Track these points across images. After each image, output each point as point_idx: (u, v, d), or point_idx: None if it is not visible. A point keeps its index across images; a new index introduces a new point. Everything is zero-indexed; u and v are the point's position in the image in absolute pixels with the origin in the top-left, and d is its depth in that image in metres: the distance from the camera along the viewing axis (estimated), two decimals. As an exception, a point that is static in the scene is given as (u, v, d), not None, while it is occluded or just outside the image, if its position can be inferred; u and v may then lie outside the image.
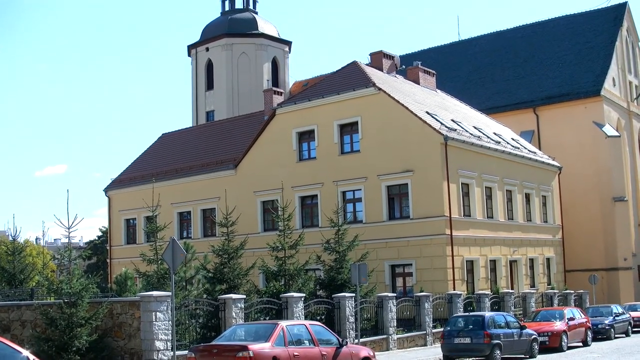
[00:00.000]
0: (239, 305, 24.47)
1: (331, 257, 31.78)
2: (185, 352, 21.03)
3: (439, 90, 52.18)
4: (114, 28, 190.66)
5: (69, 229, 22.19)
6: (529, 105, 60.02)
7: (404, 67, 53.10)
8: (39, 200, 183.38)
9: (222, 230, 28.80)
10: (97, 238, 74.21)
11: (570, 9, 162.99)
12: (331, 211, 34.58)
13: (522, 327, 28.76)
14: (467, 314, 31.17)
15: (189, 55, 74.74)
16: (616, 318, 38.67)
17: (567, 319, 32.84)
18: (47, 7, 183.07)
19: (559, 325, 31.93)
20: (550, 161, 51.11)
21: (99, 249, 70.23)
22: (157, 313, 21.28)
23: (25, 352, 12.63)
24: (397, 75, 48.20)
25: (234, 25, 72.00)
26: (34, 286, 30.73)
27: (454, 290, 36.83)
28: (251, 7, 75.71)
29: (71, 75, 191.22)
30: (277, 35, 74.26)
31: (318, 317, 27.79)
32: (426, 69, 51.80)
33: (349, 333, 28.26)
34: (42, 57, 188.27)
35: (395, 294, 33.71)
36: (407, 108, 39.45)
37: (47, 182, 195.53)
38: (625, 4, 63.45)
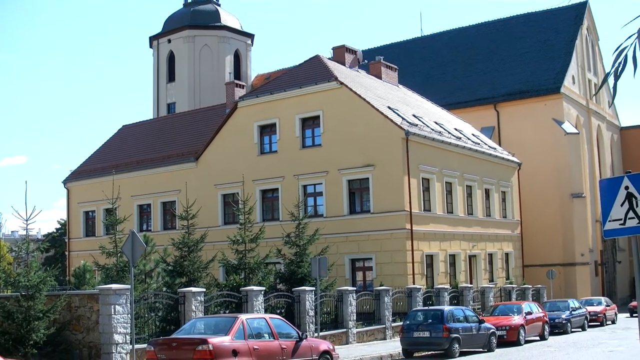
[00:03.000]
0: (199, 298, 24.41)
1: (291, 250, 31.79)
2: (145, 345, 20.93)
3: (400, 86, 52.34)
4: (74, 17, 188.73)
5: (27, 220, 21.96)
6: (490, 102, 60.49)
7: (366, 61, 53.22)
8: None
9: (182, 223, 28.69)
10: (55, 230, 73.46)
11: (532, 7, 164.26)
12: (292, 205, 34.58)
13: (481, 322, 29.02)
14: (426, 308, 31.41)
15: (151, 46, 74.25)
16: (573, 312, 39.16)
17: (525, 313, 33.19)
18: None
19: (516, 319, 32.24)
20: (510, 157, 51.53)
21: (57, 241, 69.53)
22: (116, 306, 21.14)
23: None
24: (360, 70, 48.28)
25: (197, 17, 71.66)
26: (-9, 278, 30.35)
27: (414, 284, 37.02)
28: (214, -1, 75.40)
29: (29, 65, 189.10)
30: (239, 28, 74.05)
31: (278, 311, 27.81)
32: (388, 64, 51.92)
33: (308, 327, 28.30)
34: (0, 46, 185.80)
35: (355, 288, 33.80)
36: (368, 103, 39.53)
37: (5, 173, 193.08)
38: (585, 2, 64.15)
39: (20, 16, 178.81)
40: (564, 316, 38.07)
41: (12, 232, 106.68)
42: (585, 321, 40.50)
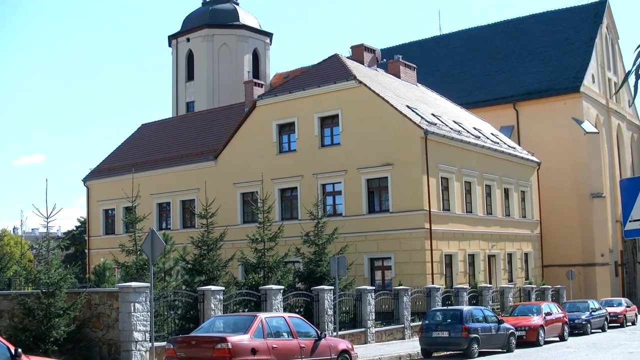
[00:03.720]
0: (218, 297, 24.44)
1: (310, 249, 31.79)
2: (164, 343, 21.01)
3: (419, 84, 52.27)
4: (93, 17, 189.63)
5: (47, 218, 22.10)
6: (509, 101, 60.29)
7: (384, 60, 53.12)
8: (16, 190, 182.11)
9: (201, 222, 28.76)
10: (75, 228, 73.77)
11: (551, 5, 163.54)
12: (311, 204, 34.57)
13: (500, 322, 28.89)
14: (445, 307, 31.28)
15: (170, 45, 74.39)
16: (593, 313, 38.96)
17: (545, 313, 33.02)
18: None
19: (536, 319, 32.09)
20: (530, 157, 51.32)
21: (77, 239, 69.82)
22: (136, 304, 21.21)
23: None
24: (378, 69, 48.22)
25: (215, 16, 71.72)
26: (12, 276, 30.52)
27: (433, 284, 36.93)
28: (232, -2, 75.46)
29: (49, 64, 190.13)
30: (258, 27, 74.06)
31: (297, 310, 27.82)
32: (407, 62, 51.87)
33: (327, 326, 28.30)
34: (19, 46, 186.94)
35: (374, 287, 33.71)
36: (387, 102, 39.47)
37: (24, 172, 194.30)
38: (605, 1, 63.82)
39: (40, 15, 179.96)
40: (583, 317, 37.87)
41: (32, 229, 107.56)
42: (605, 322, 40.27)
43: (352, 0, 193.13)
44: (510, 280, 46.28)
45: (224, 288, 25.49)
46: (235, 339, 18.09)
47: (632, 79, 7.39)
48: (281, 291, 26.92)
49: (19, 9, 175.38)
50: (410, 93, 46.68)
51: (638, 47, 7.21)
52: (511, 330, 29.19)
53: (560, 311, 35.29)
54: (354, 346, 23.98)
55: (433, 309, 32.02)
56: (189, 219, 47.87)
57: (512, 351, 28.62)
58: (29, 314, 20.83)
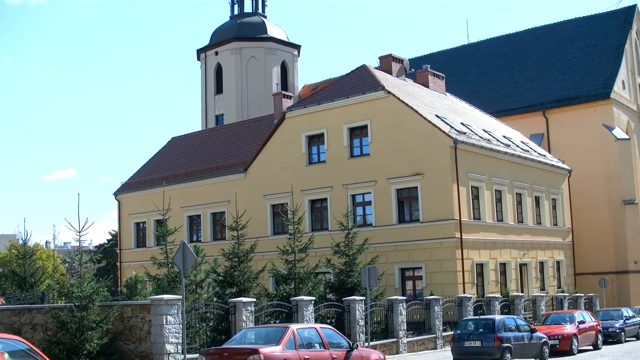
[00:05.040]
0: (249, 308, 24.50)
1: (341, 260, 31.78)
2: (196, 355, 21.09)
3: (448, 94, 52.17)
4: (123, 32, 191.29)
5: (79, 232, 22.26)
6: (539, 108, 59.96)
7: (413, 70, 53.06)
8: (47, 204, 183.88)
9: (232, 234, 28.86)
10: (106, 242, 74.26)
11: (580, 12, 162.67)
12: (341, 214, 34.60)
13: (533, 331, 28.67)
14: (477, 317, 31.14)
15: (199, 59, 74.83)
16: (627, 321, 38.60)
17: (578, 322, 32.75)
18: (58, 13, 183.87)
19: (569, 328, 31.83)
20: (560, 164, 51.02)
21: (108, 252, 70.23)
22: (168, 316, 21.32)
23: None
24: (407, 79, 48.20)
25: (243, 29, 72.04)
26: (45, 289, 30.81)
27: (464, 293, 36.78)
28: (260, 11, 75.78)
29: (81, 79, 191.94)
30: (286, 39, 74.30)
31: (328, 321, 27.82)
32: (435, 72, 51.80)
33: (359, 336, 28.27)
34: (52, 62, 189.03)
35: (405, 297, 33.67)
36: (416, 111, 39.45)
37: (56, 186, 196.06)
38: (634, 6, 63.33)
39: (72, 32, 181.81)
40: (617, 325, 37.52)
41: (64, 243, 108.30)
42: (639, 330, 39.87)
43: (380, 10, 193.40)
44: (543, 288, 45.96)
45: (255, 300, 25.55)
46: (268, 350, 18.12)
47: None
48: (312, 302, 26.93)
49: (53, 28, 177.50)
50: (439, 102, 46.60)
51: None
52: (544, 339, 28.95)
53: (593, 319, 34.99)
54: (386, 356, 23.98)
55: (465, 318, 31.87)
56: (219, 231, 48.05)
57: (545, 360, 28.42)
58: (62, 327, 21.00)
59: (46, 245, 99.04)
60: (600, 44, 61.82)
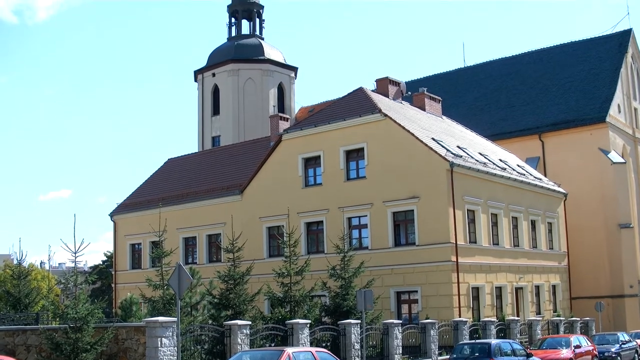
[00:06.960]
0: (245, 331, 24.45)
1: (337, 283, 31.75)
2: (191, 378, 21.00)
3: (444, 117, 52.29)
4: (120, 53, 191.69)
5: (75, 253, 22.20)
6: (535, 132, 60.12)
7: (409, 93, 53.19)
8: (42, 224, 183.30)
9: (227, 256, 28.85)
10: (102, 262, 74.13)
11: (576, 36, 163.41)
12: (337, 237, 34.55)
13: (529, 355, 28.66)
14: (473, 341, 31.13)
15: (196, 80, 74.98)
16: (623, 346, 38.52)
17: (574, 346, 32.73)
18: (54, 33, 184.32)
19: (565, 353, 31.80)
20: (556, 188, 51.07)
21: (103, 273, 70.09)
22: (163, 339, 21.25)
23: None
24: (403, 102, 48.31)
25: (240, 51, 72.25)
26: (39, 310, 30.70)
27: (460, 317, 36.70)
28: (257, 33, 75.97)
29: (76, 99, 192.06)
30: (283, 61, 74.51)
31: (324, 344, 27.76)
32: (432, 95, 51.95)
33: (354, 360, 28.19)
34: (48, 82, 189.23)
35: (400, 321, 33.59)
36: (413, 134, 39.51)
37: (51, 207, 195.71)
38: (630, 30, 63.69)
39: (68, 52, 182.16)
40: (613, 349, 37.43)
41: (59, 264, 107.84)
42: (636, 355, 39.83)
43: (377, 33, 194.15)
44: (538, 312, 45.86)
45: (250, 322, 25.52)
46: (263, 374, 18.05)
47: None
48: (308, 325, 26.88)
49: (49, 48, 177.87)
50: (436, 125, 46.70)
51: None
52: (540, 364, 28.91)
53: (589, 344, 34.95)
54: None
55: (460, 342, 31.86)
56: (215, 253, 47.95)
57: (541, 385, 28.35)
58: (57, 348, 20.92)
59: (41, 266, 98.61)
60: (596, 68, 62.08)
